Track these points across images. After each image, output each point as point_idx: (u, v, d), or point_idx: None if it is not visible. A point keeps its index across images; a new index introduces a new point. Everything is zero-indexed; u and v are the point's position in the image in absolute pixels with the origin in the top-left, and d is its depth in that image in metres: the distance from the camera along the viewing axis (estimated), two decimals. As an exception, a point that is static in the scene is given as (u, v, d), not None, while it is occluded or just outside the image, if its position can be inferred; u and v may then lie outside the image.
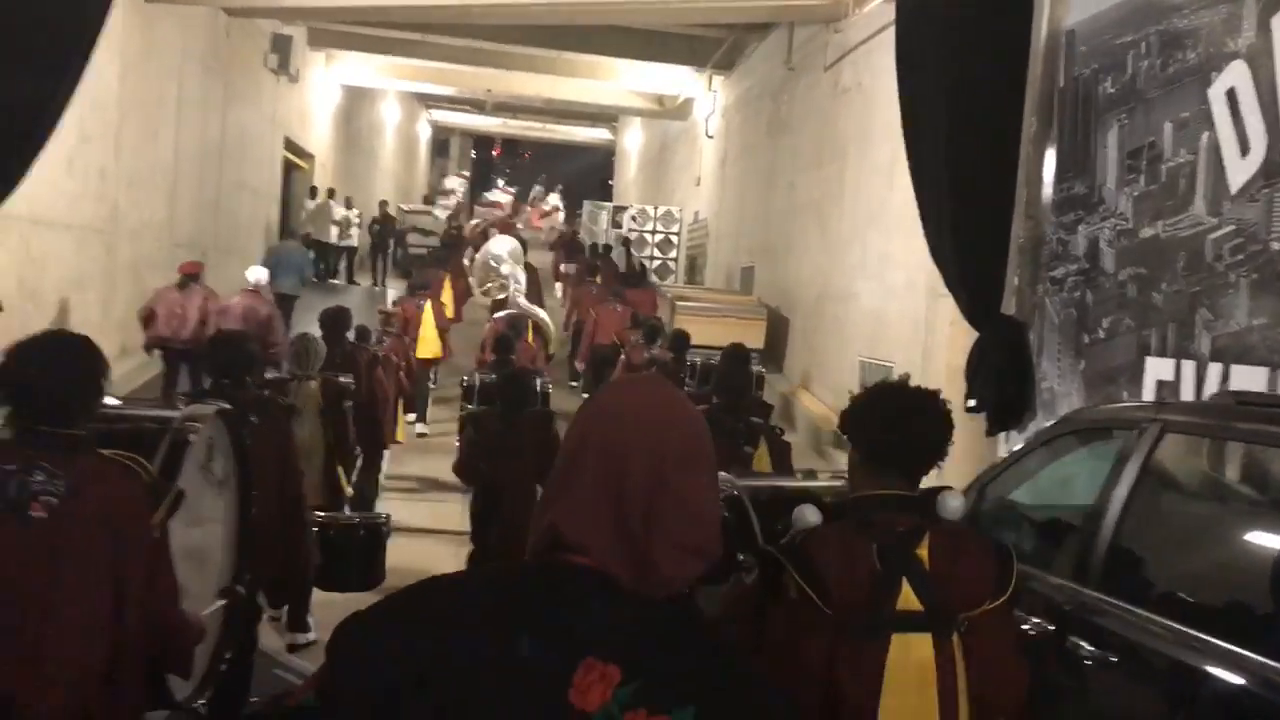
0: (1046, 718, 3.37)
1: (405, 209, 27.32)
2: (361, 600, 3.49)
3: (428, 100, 37.14)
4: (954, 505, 2.65)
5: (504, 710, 1.32)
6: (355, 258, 23.22)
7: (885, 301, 11.02)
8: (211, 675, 3.78)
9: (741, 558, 3.11)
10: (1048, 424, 6.67)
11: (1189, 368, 5.56)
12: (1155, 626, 3.39)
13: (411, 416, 11.79)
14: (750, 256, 18.28)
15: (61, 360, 2.89)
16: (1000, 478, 4.67)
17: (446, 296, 15.00)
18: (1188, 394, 5.50)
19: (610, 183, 42.47)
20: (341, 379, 7.35)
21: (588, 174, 46.36)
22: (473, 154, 52.07)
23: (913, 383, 2.90)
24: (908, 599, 2.51)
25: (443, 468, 8.32)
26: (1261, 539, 3.69)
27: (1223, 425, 3.87)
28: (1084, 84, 6.70)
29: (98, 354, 3.00)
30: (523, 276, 16.16)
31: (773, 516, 3.56)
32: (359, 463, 8.01)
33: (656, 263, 23.16)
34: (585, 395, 13.73)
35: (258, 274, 12.01)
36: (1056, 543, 4.24)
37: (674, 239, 23.85)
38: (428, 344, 12.82)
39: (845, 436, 2.82)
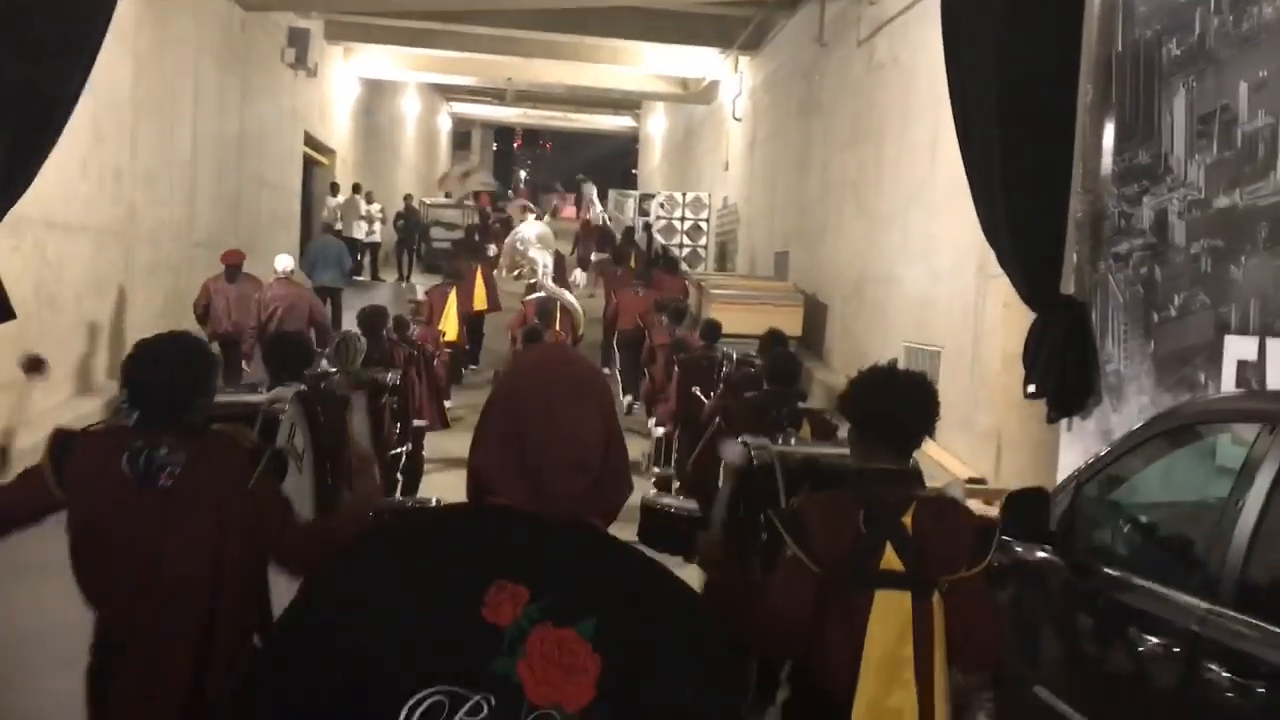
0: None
1: (428, 202, 27.01)
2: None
3: (448, 92, 36.95)
4: (955, 495, 3.08)
5: (424, 624, 1.47)
6: (379, 253, 22.99)
7: (931, 284, 10.57)
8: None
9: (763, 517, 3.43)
10: (1119, 411, 6.33)
11: (1275, 346, 5.14)
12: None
13: (450, 403, 11.97)
14: (784, 241, 17.82)
15: (179, 363, 3.28)
16: (1099, 476, 4.25)
17: (480, 290, 15.49)
18: (1276, 374, 5.09)
19: (634, 171, 42.13)
20: (378, 376, 7.55)
21: (610, 162, 45.99)
22: (494, 146, 51.94)
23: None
24: (890, 560, 2.81)
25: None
26: None
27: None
28: (1145, 47, 6.31)
29: (211, 356, 3.50)
30: (550, 261, 16.09)
31: (800, 483, 3.76)
32: (407, 448, 8.16)
33: (686, 250, 22.76)
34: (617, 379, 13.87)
35: (284, 262, 12.32)
36: (1172, 551, 3.83)
37: (703, 225, 23.44)
38: (449, 329, 13.64)
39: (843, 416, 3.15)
